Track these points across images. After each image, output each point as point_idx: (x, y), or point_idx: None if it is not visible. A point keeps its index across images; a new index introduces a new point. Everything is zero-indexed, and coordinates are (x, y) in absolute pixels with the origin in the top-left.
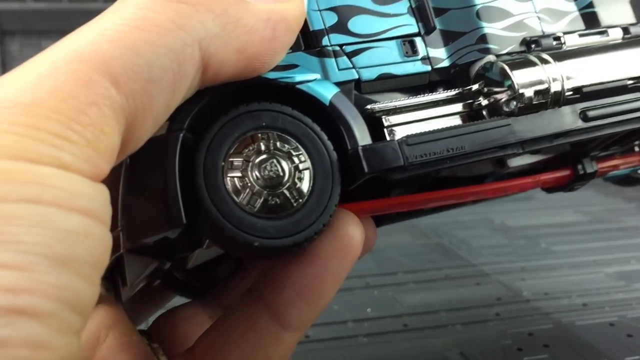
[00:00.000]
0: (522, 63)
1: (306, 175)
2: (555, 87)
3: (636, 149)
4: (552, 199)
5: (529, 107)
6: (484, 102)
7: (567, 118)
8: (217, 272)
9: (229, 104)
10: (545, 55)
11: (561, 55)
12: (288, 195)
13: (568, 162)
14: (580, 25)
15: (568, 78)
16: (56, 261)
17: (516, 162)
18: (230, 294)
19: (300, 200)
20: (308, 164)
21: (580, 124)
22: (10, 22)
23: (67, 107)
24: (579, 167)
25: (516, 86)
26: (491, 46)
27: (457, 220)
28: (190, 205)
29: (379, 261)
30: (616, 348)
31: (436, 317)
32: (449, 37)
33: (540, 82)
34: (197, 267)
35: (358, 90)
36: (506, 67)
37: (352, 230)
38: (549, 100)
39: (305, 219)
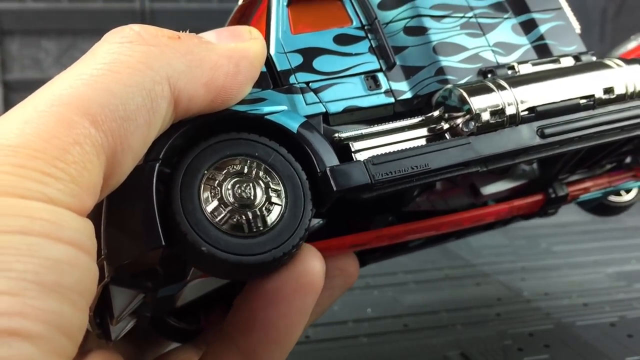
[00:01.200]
0: (479, 88)
1: (277, 208)
2: (510, 108)
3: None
4: None
5: (487, 127)
6: (445, 125)
7: (525, 135)
8: (208, 318)
9: (201, 137)
10: (500, 81)
11: (515, 79)
12: (258, 217)
13: (539, 187)
14: (533, 56)
15: (522, 100)
16: (45, 287)
17: (490, 190)
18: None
19: (267, 227)
20: (282, 195)
21: (538, 140)
22: (10, 22)
23: (52, 147)
24: (550, 191)
25: (474, 108)
26: (449, 77)
27: None
28: (168, 232)
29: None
30: (616, 348)
31: (436, 317)
32: (409, 72)
33: (496, 104)
34: (187, 311)
35: (327, 123)
36: (464, 93)
37: (311, 265)
38: (505, 119)
39: (281, 235)
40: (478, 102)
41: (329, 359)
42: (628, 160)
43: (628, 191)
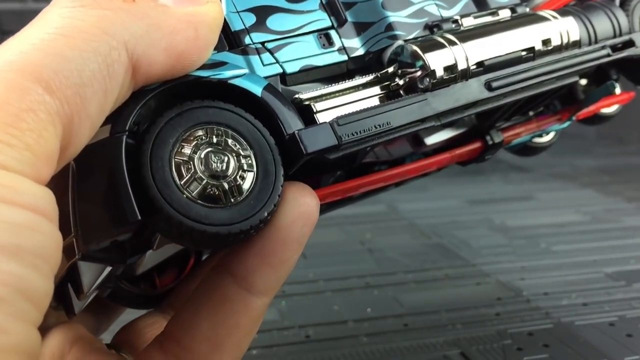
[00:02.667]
0: (431, 44)
1: (250, 175)
2: (461, 63)
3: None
4: (552, 199)
5: (440, 83)
6: (400, 82)
7: (475, 89)
8: (162, 281)
9: (172, 103)
10: (449, 36)
11: (463, 34)
12: (233, 186)
13: (477, 135)
14: (473, 8)
15: (472, 54)
16: (4, 250)
17: (432, 140)
18: (183, 297)
19: (242, 194)
20: (252, 161)
21: (486, 93)
22: (10, 22)
23: (4, 113)
24: (488, 138)
25: (429, 65)
26: (398, 32)
27: (457, 220)
28: (141, 205)
29: (379, 261)
30: (616, 348)
31: (436, 317)
32: (360, 28)
33: (449, 59)
34: (141, 277)
35: (284, 83)
36: (417, 49)
37: (309, 199)
38: (458, 74)
39: (257, 202)
40: (432, 58)
41: (329, 359)
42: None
43: (548, 133)
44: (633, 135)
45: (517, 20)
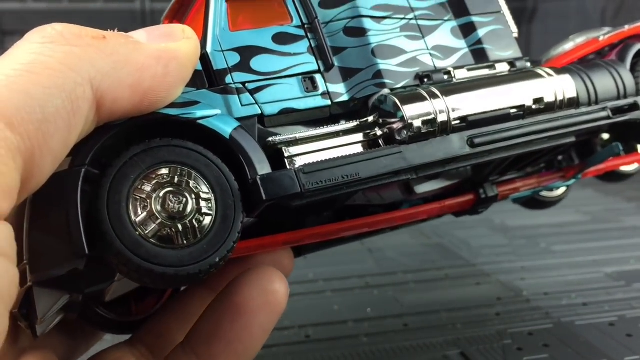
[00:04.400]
0: (412, 96)
1: (207, 218)
2: (442, 117)
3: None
4: None
5: (418, 136)
6: (379, 132)
7: (456, 145)
8: (139, 308)
9: (138, 139)
10: (433, 89)
11: (449, 88)
12: (188, 228)
13: (471, 187)
14: (470, 60)
15: (454, 109)
16: None
17: (423, 188)
18: (155, 333)
19: (197, 237)
20: (212, 205)
21: (467, 150)
22: (10, 22)
23: None
24: (481, 191)
25: (406, 117)
26: (386, 81)
27: (457, 220)
28: (94, 238)
29: (379, 261)
30: (616, 348)
31: (436, 317)
32: (347, 73)
33: (428, 113)
34: (118, 302)
35: (262, 124)
36: (397, 100)
37: (278, 286)
38: (437, 128)
39: (210, 247)
40: (411, 111)
41: (329, 359)
42: (560, 158)
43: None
44: None
45: (510, 76)
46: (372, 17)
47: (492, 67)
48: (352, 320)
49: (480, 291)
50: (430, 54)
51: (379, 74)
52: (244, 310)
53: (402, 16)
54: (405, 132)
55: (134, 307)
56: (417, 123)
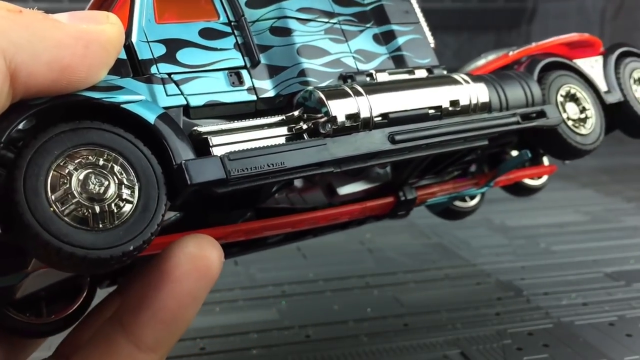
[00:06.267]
0: (336, 92)
1: (127, 206)
2: (364, 113)
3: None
4: (552, 199)
5: (342, 130)
6: (304, 126)
7: (377, 140)
8: (50, 310)
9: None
10: (357, 87)
11: (371, 87)
12: (106, 212)
13: (391, 190)
14: (391, 65)
15: (376, 106)
16: None
17: (345, 190)
18: (76, 345)
19: (114, 223)
20: (135, 193)
21: (388, 145)
22: None
23: None
24: (401, 194)
25: (331, 111)
26: (310, 79)
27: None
28: (9, 221)
29: (379, 261)
30: (615, 347)
31: (436, 317)
32: (273, 71)
33: (351, 108)
34: (28, 304)
35: (187, 116)
36: (322, 95)
37: (209, 252)
38: (360, 124)
39: (126, 234)
40: (335, 105)
41: (329, 358)
42: (472, 169)
43: (472, 197)
44: None
45: (429, 80)
46: (297, 19)
47: (411, 72)
48: (352, 320)
49: (480, 291)
50: (353, 57)
51: (303, 72)
52: (170, 277)
53: (326, 20)
54: (329, 125)
55: (44, 310)
56: (341, 117)
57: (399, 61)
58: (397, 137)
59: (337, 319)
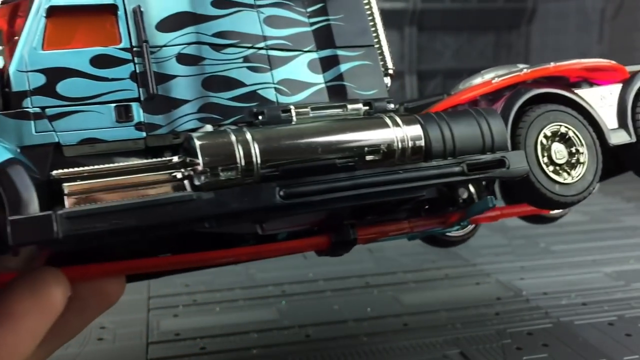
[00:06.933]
0: (216, 139)
1: None
2: (247, 164)
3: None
4: None
5: (216, 182)
6: (178, 175)
7: (263, 195)
8: None
9: None
10: (247, 132)
11: (266, 133)
12: None
13: (328, 228)
14: (325, 97)
15: (266, 155)
16: None
17: (274, 225)
18: None
19: None
20: None
21: (279, 201)
22: None
23: None
24: (337, 234)
25: (202, 162)
26: (214, 116)
27: None
28: None
29: (379, 261)
30: (615, 347)
31: (436, 317)
32: (171, 104)
33: (231, 159)
34: None
35: (60, 154)
36: (197, 142)
37: (52, 288)
38: (240, 176)
39: None
40: (210, 155)
41: (330, 358)
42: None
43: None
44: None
45: (350, 123)
46: (211, 45)
47: (343, 107)
48: (352, 319)
49: (479, 291)
50: (276, 88)
51: (206, 107)
52: (11, 313)
53: (249, 45)
54: (203, 177)
55: None
56: (215, 168)
57: (336, 92)
58: (291, 191)
59: (337, 318)
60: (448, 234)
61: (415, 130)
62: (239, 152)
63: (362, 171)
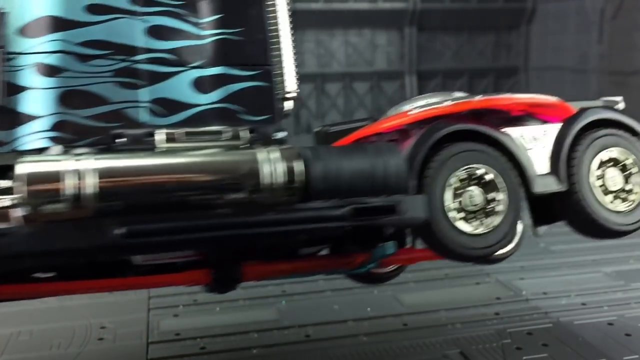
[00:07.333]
0: (45, 164)
1: None
2: (80, 196)
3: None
4: None
5: (41, 215)
6: (6, 202)
7: (98, 233)
8: None
9: None
10: (88, 156)
11: (114, 160)
12: None
13: (214, 264)
14: (207, 121)
15: (107, 187)
16: None
17: (142, 257)
18: None
19: None
20: None
21: (118, 240)
22: None
23: None
24: (218, 271)
25: (23, 189)
26: (66, 135)
27: None
28: None
29: None
30: (615, 347)
31: (436, 316)
32: (18, 120)
33: (57, 188)
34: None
35: None
36: (18, 167)
37: None
38: (71, 209)
39: None
40: (33, 184)
41: (329, 358)
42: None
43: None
44: None
45: (213, 154)
46: (77, 55)
47: (223, 133)
48: (352, 319)
49: (479, 291)
50: (146, 108)
51: (59, 126)
52: None
53: (123, 57)
54: (23, 208)
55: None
56: (40, 200)
57: (222, 116)
58: (133, 229)
59: (337, 318)
60: (377, 270)
61: (296, 166)
62: (71, 181)
63: (223, 211)
